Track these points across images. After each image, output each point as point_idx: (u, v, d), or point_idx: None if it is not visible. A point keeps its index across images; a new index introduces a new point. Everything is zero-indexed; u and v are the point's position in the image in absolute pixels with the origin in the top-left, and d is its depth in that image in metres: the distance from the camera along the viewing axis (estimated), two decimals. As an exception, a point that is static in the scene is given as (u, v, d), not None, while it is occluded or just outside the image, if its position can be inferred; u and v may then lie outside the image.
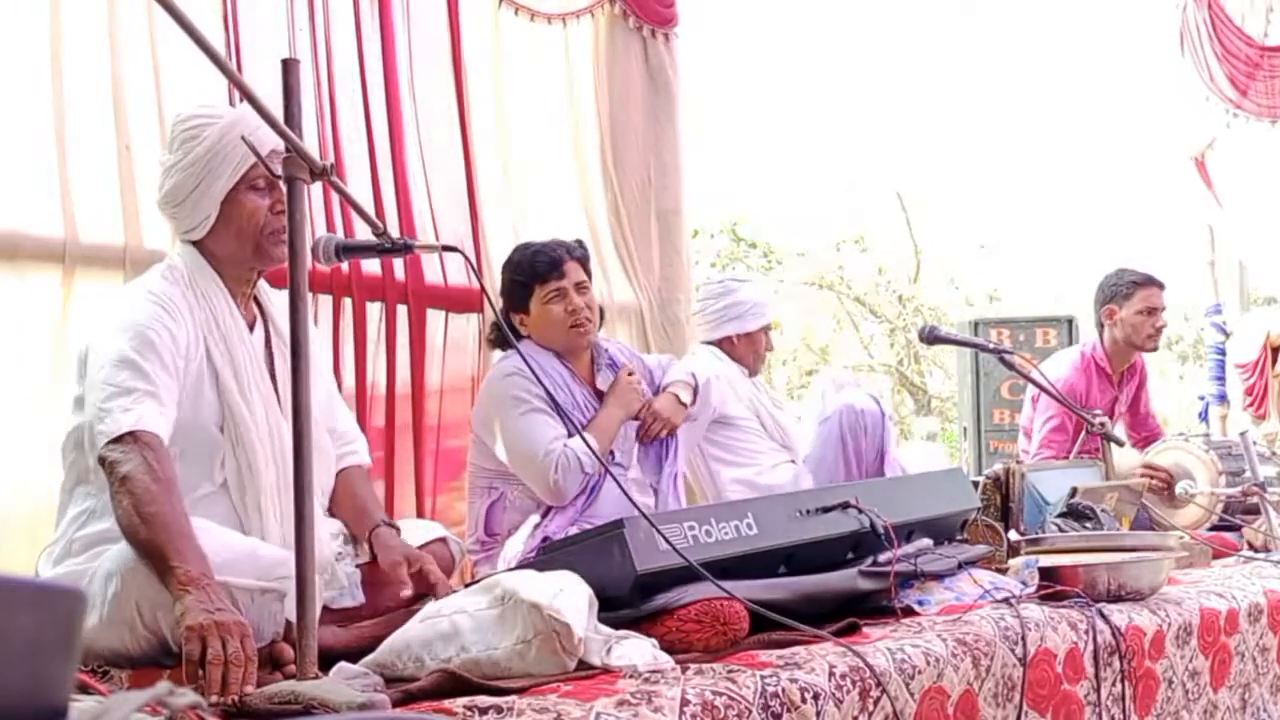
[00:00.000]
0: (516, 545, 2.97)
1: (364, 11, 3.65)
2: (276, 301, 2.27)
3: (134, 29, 3.13)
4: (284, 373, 2.19)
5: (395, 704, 1.57)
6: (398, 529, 2.30)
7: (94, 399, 1.96)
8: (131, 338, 2.00)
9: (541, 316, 3.04)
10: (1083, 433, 3.76)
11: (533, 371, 2.77)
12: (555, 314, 3.01)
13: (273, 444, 2.14)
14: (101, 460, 1.91)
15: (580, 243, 3.16)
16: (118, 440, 1.90)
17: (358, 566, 2.28)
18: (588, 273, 3.09)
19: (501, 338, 3.14)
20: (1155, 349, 4.44)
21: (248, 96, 1.58)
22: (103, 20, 3.09)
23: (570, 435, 2.93)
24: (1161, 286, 4.42)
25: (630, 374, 3.10)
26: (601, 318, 3.21)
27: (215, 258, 2.17)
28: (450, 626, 1.76)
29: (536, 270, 3.02)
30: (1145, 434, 4.49)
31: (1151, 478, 3.74)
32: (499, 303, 3.13)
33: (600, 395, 3.09)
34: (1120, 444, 3.95)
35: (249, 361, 2.15)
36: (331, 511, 2.35)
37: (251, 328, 2.21)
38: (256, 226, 2.13)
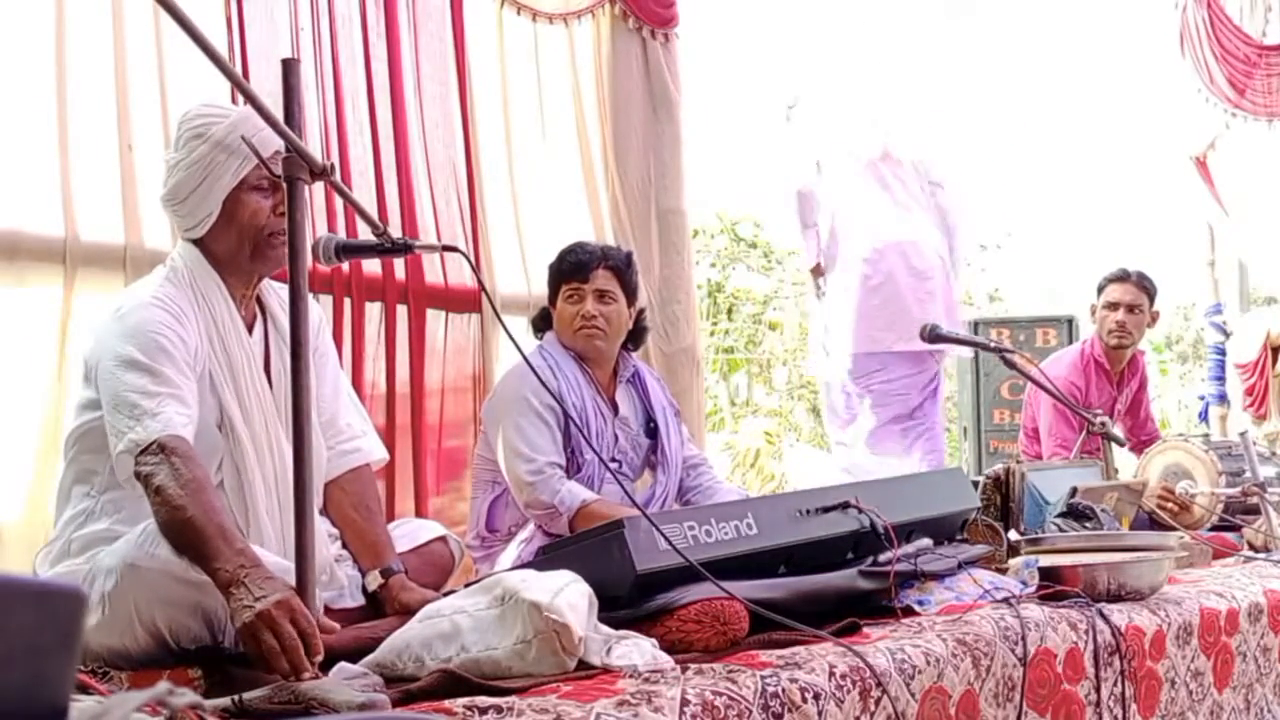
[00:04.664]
0: (513, 552, 2.97)
1: (369, 11, 3.65)
2: (284, 297, 2.25)
3: (138, 28, 3.14)
4: (280, 373, 2.19)
5: (395, 704, 1.57)
6: (405, 570, 2.28)
7: (115, 416, 1.95)
8: (142, 344, 1.99)
9: (559, 314, 3.09)
10: (1084, 432, 3.76)
11: (539, 374, 2.74)
12: (566, 313, 3.05)
13: (269, 445, 2.13)
14: (137, 475, 1.91)
15: (629, 255, 3.15)
16: (145, 451, 1.90)
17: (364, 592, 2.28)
18: (626, 284, 3.07)
19: (540, 322, 3.18)
20: (1117, 345, 4.38)
21: (248, 96, 1.58)
22: (107, 19, 3.09)
23: (567, 454, 2.93)
24: (1133, 282, 4.38)
25: None
26: (641, 336, 3.20)
27: (215, 257, 2.16)
28: (450, 626, 1.76)
29: (563, 270, 3.08)
30: (1144, 437, 4.48)
31: (1166, 500, 3.69)
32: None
33: (616, 407, 3.10)
34: (1121, 443, 3.95)
35: (246, 363, 2.14)
36: (324, 510, 2.33)
37: (251, 328, 2.21)
38: (257, 227, 2.13)
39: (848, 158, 4.78)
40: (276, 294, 2.27)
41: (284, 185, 1.71)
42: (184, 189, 2.13)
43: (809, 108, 5.16)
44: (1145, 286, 4.40)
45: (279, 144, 1.88)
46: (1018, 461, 3.18)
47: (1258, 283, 7.90)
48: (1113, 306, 4.37)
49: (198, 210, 2.13)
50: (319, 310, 2.35)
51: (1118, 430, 3.88)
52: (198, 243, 2.17)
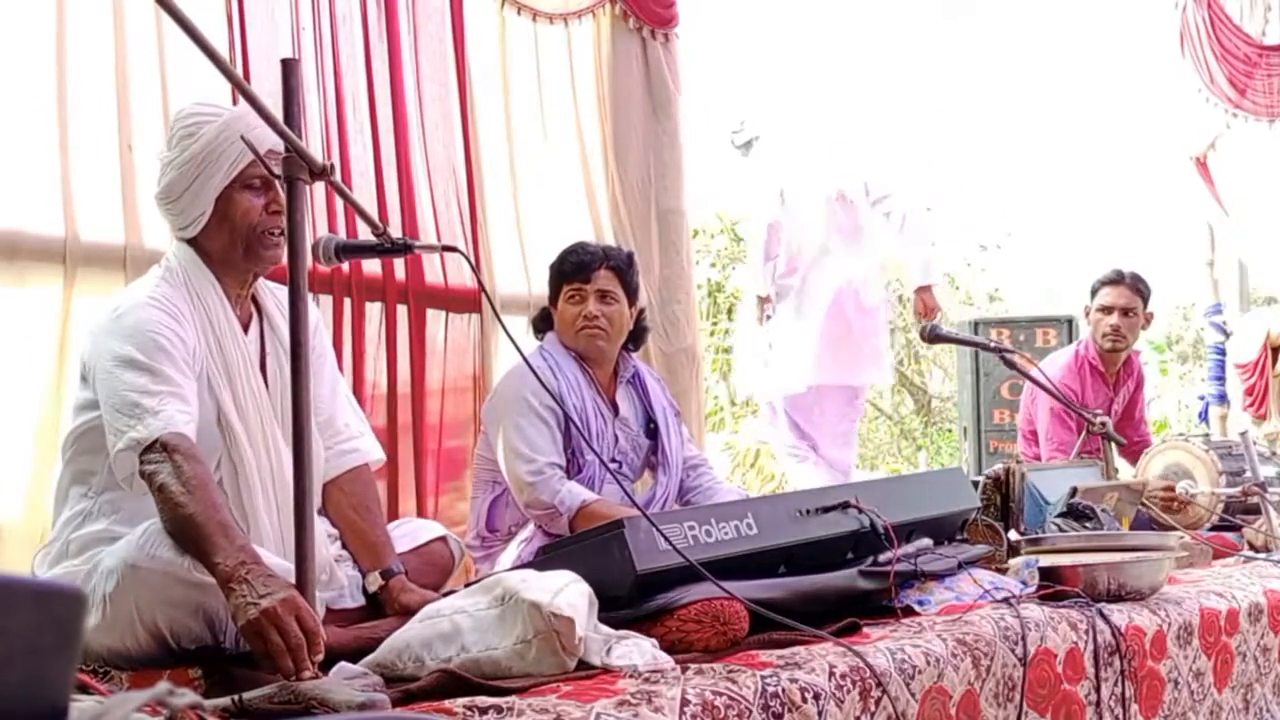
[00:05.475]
0: (513, 552, 2.97)
1: (369, 11, 3.65)
2: (279, 297, 2.25)
3: (138, 28, 3.14)
4: (276, 373, 2.19)
5: (395, 704, 1.57)
6: (405, 570, 2.28)
7: (114, 415, 1.95)
8: (141, 344, 1.99)
9: (560, 314, 3.09)
10: (1083, 433, 3.76)
11: (539, 374, 2.75)
12: (568, 314, 3.05)
13: (265, 445, 2.13)
14: (141, 474, 1.91)
15: (630, 256, 3.16)
16: (149, 450, 1.90)
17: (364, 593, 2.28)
18: (627, 285, 3.08)
19: (540, 322, 3.19)
20: (1111, 349, 4.35)
21: (247, 96, 1.58)
22: (107, 19, 3.09)
23: (567, 454, 2.94)
24: (1127, 285, 4.35)
25: None
26: (641, 337, 3.21)
27: (210, 256, 2.16)
28: (450, 626, 1.76)
29: (564, 270, 3.08)
30: (1137, 440, 4.45)
31: (1170, 502, 3.67)
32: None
33: (617, 408, 3.10)
34: (1121, 444, 3.94)
35: (242, 363, 2.14)
36: (323, 510, 2.32)
37: (246, 328, 2.20)
38: (250, 226, 2.12)
39: (805, 196, 5.10)
40: (272, 294, 2.26)
41: (276, 183, 1.70)
42: (177, 187, 2.12)
43: (767, 142, 5.55)
44: (1139, 289, 4.37)
45: (273, 142, 1.88)
46: (1018, 461, 3.18)
47: (1258, 283, 7.89)
48: (1106, 310, 4.35)
49: (190, 209, 2.13)
50: (316, 311, 2.35)
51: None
52: (192, 242, 2.16)
